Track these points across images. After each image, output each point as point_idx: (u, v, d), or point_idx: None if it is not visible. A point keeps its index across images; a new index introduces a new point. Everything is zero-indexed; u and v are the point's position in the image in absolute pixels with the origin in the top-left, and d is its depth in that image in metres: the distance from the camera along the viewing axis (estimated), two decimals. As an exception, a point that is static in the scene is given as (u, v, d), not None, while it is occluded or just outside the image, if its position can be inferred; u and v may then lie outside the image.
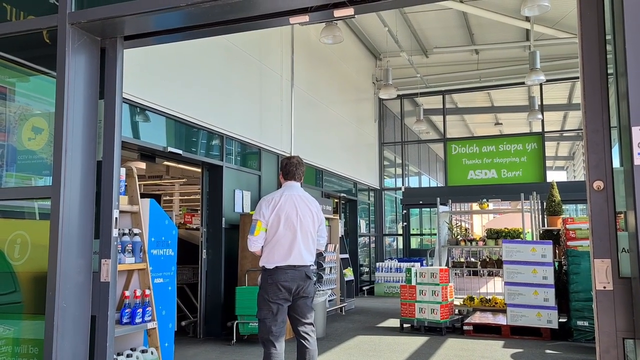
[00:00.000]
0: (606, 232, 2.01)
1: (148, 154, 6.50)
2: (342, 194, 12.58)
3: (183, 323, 7.42)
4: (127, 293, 4.38)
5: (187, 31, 2.86)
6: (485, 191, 13.52)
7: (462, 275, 12.25)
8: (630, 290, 1.95)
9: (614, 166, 2.06)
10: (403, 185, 15.14)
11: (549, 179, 13.63)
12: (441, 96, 15.07)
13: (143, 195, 10.53)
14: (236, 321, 6.88)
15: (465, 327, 7.55)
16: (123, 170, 4.57)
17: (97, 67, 2.89)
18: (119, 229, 4.48)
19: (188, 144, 7.05)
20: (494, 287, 9.92)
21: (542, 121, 14.06)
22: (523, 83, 13.57)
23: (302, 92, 10.07)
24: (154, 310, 4.54)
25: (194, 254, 7.59)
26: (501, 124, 19.76)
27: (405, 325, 7.86)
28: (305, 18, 2.56)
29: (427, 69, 14.48)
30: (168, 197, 12.63)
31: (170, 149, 6.38)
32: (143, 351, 4.32)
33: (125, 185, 4.63)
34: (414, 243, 17.49)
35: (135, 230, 4.55)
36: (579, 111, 15.54)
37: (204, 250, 7.44)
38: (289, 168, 4.51)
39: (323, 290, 7.67)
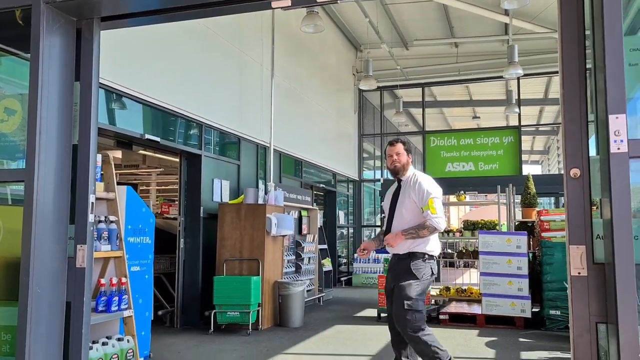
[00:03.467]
0: (581, 219, 2.05)
1: (124, 141, 6.40)
2: (321, 185, 12.59)
3: (160, 312, 7.35)
4: (102, 281, 4.32)
5: (164, 13, 2.80)
6: (462, 183, 13.62)
7: (438, 265, 12.38)
8: (604, 275, 1.99)
9: (590, 155, 2.09)
10: (382, 177, 15.21)
11: (524, 172, 13.85)
12: (420, 89, 15.15)
13: (119, 184, 10.39)
14: (214, 310, 6.85)
15: (441, 317, 7.65)
16: (99, 157, 4.49)
17: (72, 49, 2.82)
18: (95, 216, 4.41)
19: (166, 132, 6.96)
20: (469, 278, 10.07)
21: (519, 115, 14.26)
22: (501, 77, 13.73)
23: (282, 81, 10.01)
24: (130, 298, 4.49)
25: (172, 244, 7.52)
26: (479, 117, 19.96)
27: (382, 315, 7.93)
28: (287, 2, 2.53)
29: (407, 61, 14.52)
30: (145, 187, 12.45)
31: (147, 136, 6.29)
32: (119, 339, 4.27)
33: (101, 173, 4.55)
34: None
35: (112, 218, 4.49)
36: (554, 106, 15.79)
37: (182, 240, 7.37)
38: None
39: (301, 281, 7.68)
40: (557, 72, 10.77)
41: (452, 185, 13.40)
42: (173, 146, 6.98)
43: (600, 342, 2.08)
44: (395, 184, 4.32)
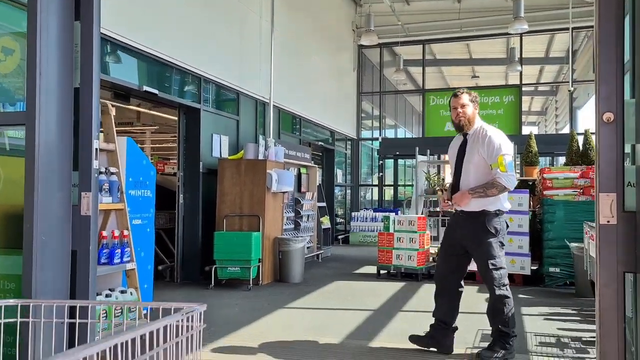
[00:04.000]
0: (613, 166, 1.96)
1: (122, 93, 6.22)
2: (319, 143, 12.47)
3: (160, 267, 7.34)
4: (104, 233, 4.25)
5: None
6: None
7: (437, 225, 12.42)
8: (634, 224, 1.93)
9: (625, 98, 1.99)
10: (380, 135, 15.09)
11: (524, 133, 13.76)
12: (421, 46, 14.85)
13: None
14: (214, 266, 6.84)
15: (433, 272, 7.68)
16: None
17: (71, -15, 2.64)
18: (95, 168, 4.30)
19: (164, 85, 6.77)
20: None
21: (521, 73, 14.05)
22: (504, 34, 13.46)
23: (281, 37, 9.73)
24: (132, 251, 4.43)
25: (170, 200, 7.45)
26: (478, 77, 19.69)
27: (382, 272, 7.97)
28: None
29: (408, 17, 14.17)
30: (139, 145, 12.25)
31: (145, 88, 6.11)
32: (122, 292, 4.23)
33: (100, 122, 4.41)
34: (388, 195, 17.64)
35: (112, 170, 4.37)
36: (555, 65, 15.48)
37: (181, 195, 7.29)
38: None
39: (301, 237, 7.67)
40: (561, 29, 10.52)
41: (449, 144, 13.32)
42: (171, 99, 6.81)
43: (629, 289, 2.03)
44: (460, 137, 4.10)
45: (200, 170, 7.30)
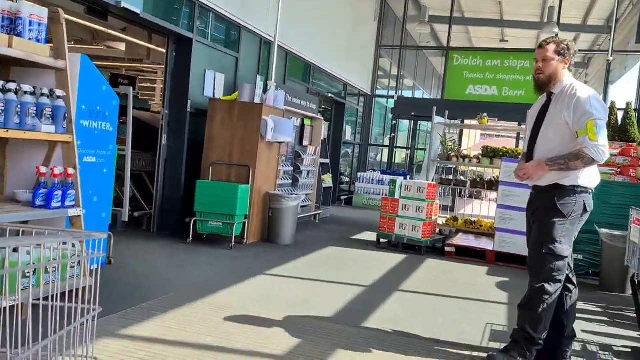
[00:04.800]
0: None
1: (97, 9, 5.31)
2: (329, 95, 11.51)
3: (136, 214, 6.62)
4: (42, 169, 3.47)
5: None
6: (483, 108, 12.46)
7: (447, 194, 11.59)
8: None
9: None
10: (396, 94, 14.05)
11: (552, 103, 12.70)
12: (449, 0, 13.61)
13: (117, 78, 9.31)
14: (194, 218, 6.09)
15: (447, 249, 6.91)
16: (44, 11, 3.48)
17: None
18: (37, 88, 3.47)
19: (150, 4, 5.83)
20: (479, 209, 9.26)
21: (557, 37, 12.80)
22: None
23: (295, -32, 8.66)
24: (79, 194, 3.66)
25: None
26: (507, 41, 18.37)
27: (382, 240, 7.20)
28: None
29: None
30: (149, 84, 11.38)
31: (124, 4, 5.19)
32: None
33: (49, 32, 3.55)
34: (399, 158, 16.73)
35: (59, 92, 3.54)
36: (590, 35, 14.20)
37: (164, 136, 6.48)
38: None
39: (296, 195, 6.86)
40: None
41: (472, 108, 12.27)
42: (158, 23, 5.88)
43: None
44: (544, 98, 3.29)
45: (188, 110, 6.46)
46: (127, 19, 5.72)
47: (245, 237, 6.34)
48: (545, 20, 12.58)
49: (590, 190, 3.17)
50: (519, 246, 6.53)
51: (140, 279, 4.41)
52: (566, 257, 3.10)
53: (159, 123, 6.55)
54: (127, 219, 6.36)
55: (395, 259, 6.43)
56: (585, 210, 3.14)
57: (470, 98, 13.32)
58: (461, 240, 7.28)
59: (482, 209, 9.31)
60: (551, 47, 3.19)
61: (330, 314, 3.98)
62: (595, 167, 3.16)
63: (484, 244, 7.11)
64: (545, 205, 3.16)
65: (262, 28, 7.91)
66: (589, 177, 3.12)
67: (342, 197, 12.62)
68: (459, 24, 15.98)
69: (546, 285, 3.07)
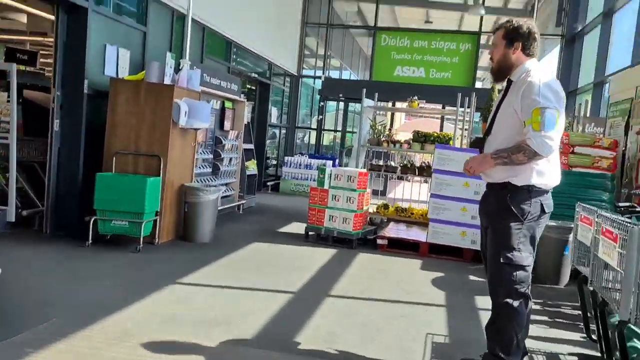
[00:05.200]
0: None
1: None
2: (253, 75, 10.77)
3: (25, 213, 5.68)
4: None
5: None
6: (411, 90, 12.21)
7: (377, 177, 11.27)
8: None
9: None
10: (323, 74, 13.51)
11: (477, 86, 12.70)
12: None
13: (15, 52, 8.13)
14: (94, 217, 5.26)
15: (379, 241, 6.52)
16: None
17: None
18: None
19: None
20: (410, 192, 8.94)
21: (481, 19, 12.76)
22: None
23: None
24: None
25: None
26: (431, 22, 18.28)
27: (310, 234, 6.69)
28: None
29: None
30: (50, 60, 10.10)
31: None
32: None
33: None
34: (327, 141, 16.28)
35: None
36: (512, 18, 14.40)
37: (57, 121, 5.55)
38: (537, 38, 2.85)
39: (214, 187, 6.16)
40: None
41: (400, 90, 11.97)
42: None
43: None
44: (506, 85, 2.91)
45: (85, 91, 5.55)
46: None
47: (157, 236, 5.60)
48: (471, 2, 12.40)
49: (548, 191, 2.78)
50: (453, 237, 6.27)
51: (15, 299, 3.60)
52: (527, 266, 2.72)
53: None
54: (13, 219, 5.43)
55: (325, 254, 5.94)
56: (543, 211, 2.76)
57: (398, 80, 13.06)
58: (393, 231, 6.92)
59: (413, 192, 9.00)
60: (499, 33, 2.88)
61: (253, 334, 3.40)
62: (554, 164, 2.78)
63: (416, 234, 6.79)
64: (498, 205, 2.79)
65: (174, -1, 7.05)
66: (546, 177, 2.74)
67: (269, 183, 12.01)
68: (386, 3, 15.63)
69: (509, 301, 2.70)
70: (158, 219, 5.58)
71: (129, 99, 5.57)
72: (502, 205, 2.75)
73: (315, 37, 14.05)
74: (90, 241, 5.22)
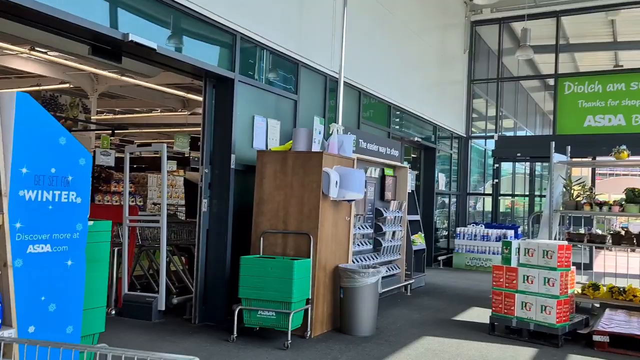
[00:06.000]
0: None
1: (104, 47, 4.23)
2: (416, 139, 9.88)
3: (175, 300, 5.32)
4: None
5: None
6: (608, 141, 10.21)
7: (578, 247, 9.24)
8: None
9: None
10: (496, 133, 12.08)
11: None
12: (554, 20, 11.66)
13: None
14: (240, 306, 4.63)
15: (596, 338, 4.83)
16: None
17: None
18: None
19: (175, 38, 4.69)
20: (627, 267, 6.92)
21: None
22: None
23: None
24: (11, 305, 2.32)
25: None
26: (621, 66, 15.75)
27: (496, 324, 5.27)
28: None
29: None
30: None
31: (133, 37, 4.04)
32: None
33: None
34: (502, 207, 14.44)
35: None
36: None
37: (205, 201, 5.19)
38: None
39: (374, 268, 5.19)
40: None
41: (594, 144, 10.03)
42: (185, 61, 4.70)
43: None
44: None
45: (232, 167, 5.15)
46: (142, 57, 4.60)
47: (308, 328, 4.76)
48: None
49: None
50: None
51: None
52: None
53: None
54: (163, 307, 5.08)
55: (521, 356, 4.50)
56: None
57: (591, 131, 11.06)
58: (614, 322, 5.15)
59: (621, 263, 7.00)
60: None
61: None
62: None
63: (650, 328, 4.95)
64: None
65: (326, 64, 6.60)
66: None
67: (440, 258, 10.67)
68: (565, 50, 13.83)
69: None
70: (310, 308, 4.76)
71: (276, 172, 5.02)
72: None
73: (484, 95, 12.79)
74: (235, 335, 4.56)
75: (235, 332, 4.57)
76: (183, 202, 8.27)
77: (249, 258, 4.71)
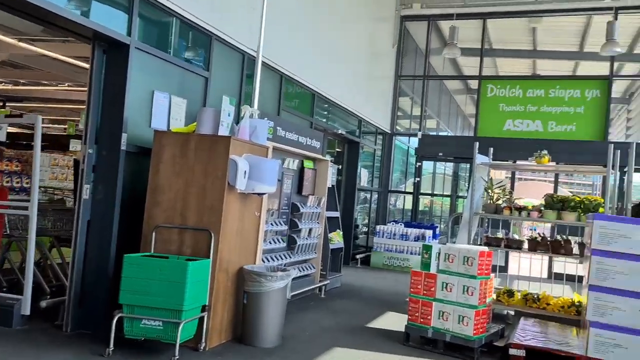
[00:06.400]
0: None
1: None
2: (340, 132, 9.44)
3: (44, 304, 4.48)
4: None
5: None
6: (527, 147, 10.29)
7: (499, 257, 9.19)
8: None
9: None
10: (420, 131, 11.93)
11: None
12: (480, 22, 11.66)
13: None
14: (120, 313, 3.91)
15: (512, 351, 4.56)
16: None
17: None
18: None
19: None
20: (529, 268, 6.83)
21: (612, 61, 10.65)
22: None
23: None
24: None
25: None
26: (539, 74, 16.24)
27: (412, 335, 4.90)
28: None
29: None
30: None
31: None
32: None
33: None
34: (421, 206, 14.44)
35: None
36: (636, 64, 11.87)
37: (86, 186, 4.39)
38: None
39: (284, 271, 4.62)
40: None
41: (513, 148, 10.06)
42: (67, 17, 3.89)
43: None
44: None
45: (123, 148, 4.39)
46: (16, 9, 3.74)
47: (203, 339, 4.12)
48: (608, 34, 10.15)
49: None
50: (630, 352, 4.20)
51: None
52: None
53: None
54: (28, 312, 4.25)
55: (435, 373, 4.13)
56: None
57: (509, 135, 11.16)
58: (529, 334, 4.93)
59: (533, 266, 6.94)
60: None
61: None
62: None
63: (565, 339, 4.77)
64: None
65: (244, 40, 5.95)
66: None
67: (358, 256, 10.34)
68: (488, 55, 13.98)
69: None
70: (206, 316, 4.12)
71: (176, 157, 4.32)
72: None
73: (410, 92, 12.61)
74: (111, 347, 3.84)
75: (111, 345, 3.84)
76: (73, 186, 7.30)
77: (134, 257, 3.99)
